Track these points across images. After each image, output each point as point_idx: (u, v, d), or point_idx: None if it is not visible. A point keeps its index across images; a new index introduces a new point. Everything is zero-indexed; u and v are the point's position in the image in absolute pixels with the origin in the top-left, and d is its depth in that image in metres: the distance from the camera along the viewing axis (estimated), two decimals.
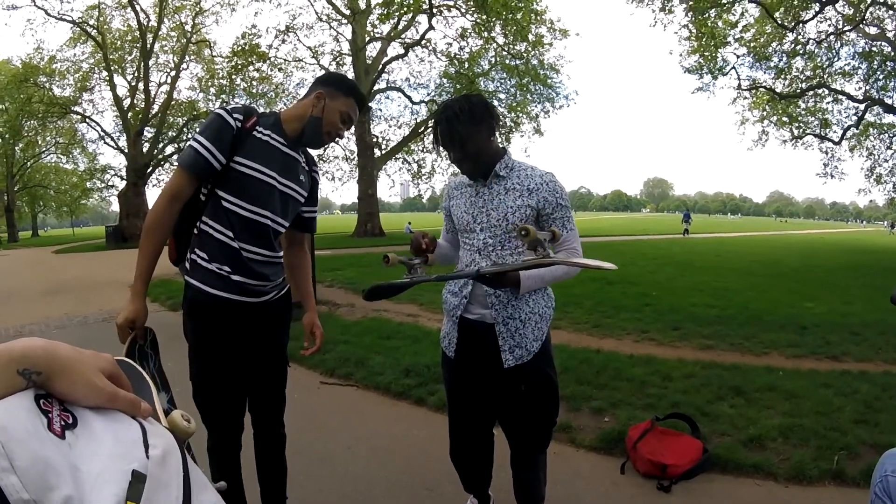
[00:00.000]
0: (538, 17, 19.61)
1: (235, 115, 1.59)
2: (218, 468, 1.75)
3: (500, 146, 1.74)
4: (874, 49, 18.15)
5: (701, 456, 2.47)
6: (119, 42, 24.63)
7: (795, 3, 16.46)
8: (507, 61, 20.76)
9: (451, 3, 19.55)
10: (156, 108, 24.48)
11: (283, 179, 1.65)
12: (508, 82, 21.08)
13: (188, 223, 1.66)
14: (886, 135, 20.84)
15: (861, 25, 16.94)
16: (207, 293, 1.61)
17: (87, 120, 26.75)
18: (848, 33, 17.75)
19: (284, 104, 23.74)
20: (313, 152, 1.87)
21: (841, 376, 3.70)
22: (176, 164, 1.69)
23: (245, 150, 1.59)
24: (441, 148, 1.68)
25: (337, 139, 1.73)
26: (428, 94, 23.78)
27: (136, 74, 24.65)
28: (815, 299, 7.09)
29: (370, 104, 21.68)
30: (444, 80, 22.58)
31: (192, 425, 0.59)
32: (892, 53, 17.57)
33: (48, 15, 22.19)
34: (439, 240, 1.87)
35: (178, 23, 24.00)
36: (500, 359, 1.68)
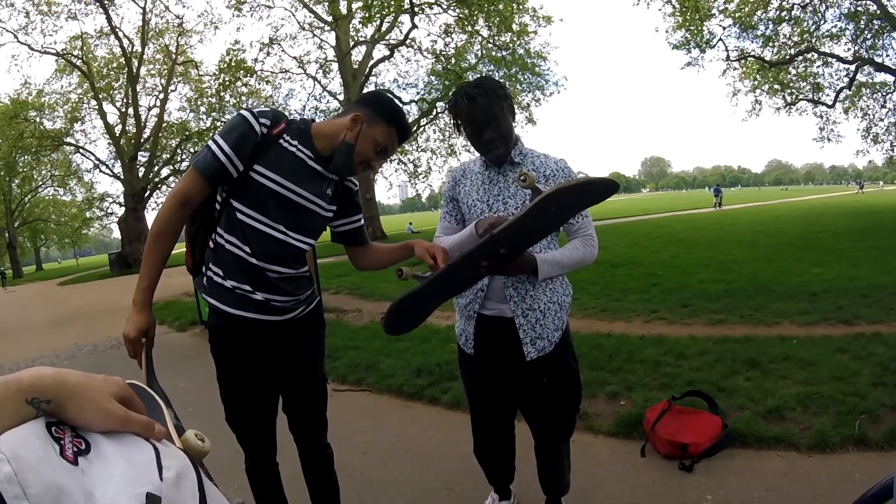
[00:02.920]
0: (521, 6, 19.55)
1: (262, 120, 1.44)
2: (256, 488, 1.71)
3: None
4: (860, 9, 18.02)
5: (721, 432, 2.44)
6: (105, 70, 24.77)
7: None
8: (494, 53, 20.64)
9: (432, 1, 19.51)
10: (147, 131, 24.63)
11: (305, 194, 1.49)
12: (496, 74, 20.99)
13: (204, 230, 1.53)
14: (880, 94, 20.70)
15: None
16: (227, 313, 1.49)
17: (81, 150, 26.85)
18: None
19: None
20: None
21: (855, 340, 3.67)
22: (188, 165, 1.56)
23: (267, 160, 1.44)
24: (469, 126, 1.57)
25: (369, 172, 1.56)
26: (417, 94, 23.74)
27: (125, 100, 24.78)
28: (823, 265, 7.04)
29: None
30: (433, 78, 22.53)
31: (206, 444, 0.58)
32: (878, 11, 17.43)
33: (32, 49, 22.41)
34: (442, 237, 1.75)
35: (162, 45, 24.14)
36: (522, 352, 1.62)
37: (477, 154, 1.69)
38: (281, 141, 1.47)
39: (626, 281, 6.87)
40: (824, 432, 2.40)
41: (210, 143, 1.43)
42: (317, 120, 1.59)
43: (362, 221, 1.73)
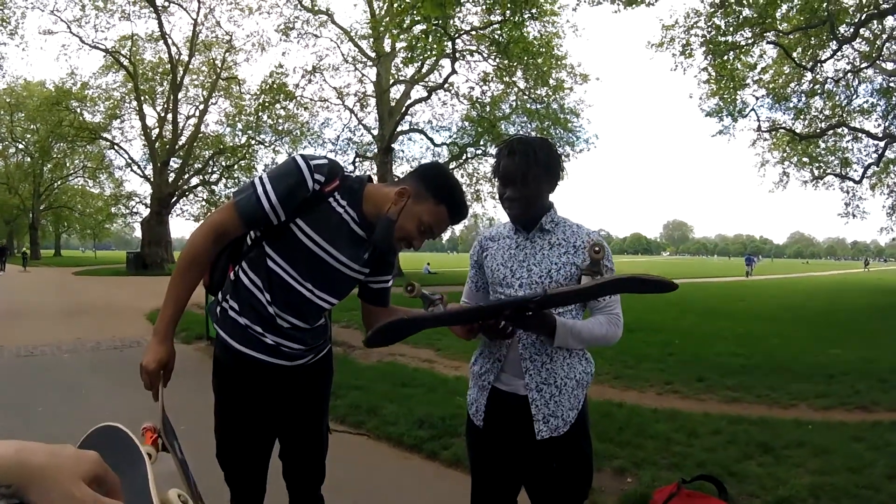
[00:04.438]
0: (559, 62, 19.85)
1: (316, 176, 1.36)
2: None
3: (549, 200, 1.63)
4: (892, 85, 18.10)
5: None
6: (150, 73, 25.66)
7: (813, 42, 16.56)
8: (528, 105, 20.91)
9: (474, 48, 20.00)
10: (183, 139, 25.30)
11: (341, 258, 1.44)
12: (529, 126, 21.26)
13: (227, 255, 1.48)
14: None
15: (878, 62, 16.95)
16: (235, 350, 1.43)
17: (116, 147, 27.67)
18: (865, 70, 17.76)
19: (308, 143, 24.18)
20: None
21: (872, 428, 3.58)
22: (230, 196, 1.52)
23: (312, 216, 1.38)
24: (499, 179, 1.56)
25: (412, 248, 1.49)
26: (450, 137, 24.07)
27: (165, 106, 25.56)
28: (842, 345, 6.89)
29: (393, 145, 22.01)
30: (466, 123, 22.86)
31: None
32: None
33: (83, 42, 23.20)
34: (464, 300, 1.73)
35: (208, 58, 24.97)
36: (533, 429, 1.52)
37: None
38: (331, 199, 1.41)
39: (643, 347, 6.71)
40: None
41: (257, 182, 1.36)
42: (374, 180, 1.55)
43: (390, 283, 1.66)
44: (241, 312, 1.43)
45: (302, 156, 1.39)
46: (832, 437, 3.40)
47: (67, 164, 35.27)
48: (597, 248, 1.30)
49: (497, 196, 1.61)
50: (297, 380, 1.53)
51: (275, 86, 21.07)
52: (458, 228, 29.46)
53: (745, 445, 3.28)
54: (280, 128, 23.69)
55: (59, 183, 38.31)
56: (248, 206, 1.35)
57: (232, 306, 1.44)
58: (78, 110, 25.41)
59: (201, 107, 25.37)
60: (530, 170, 1.49)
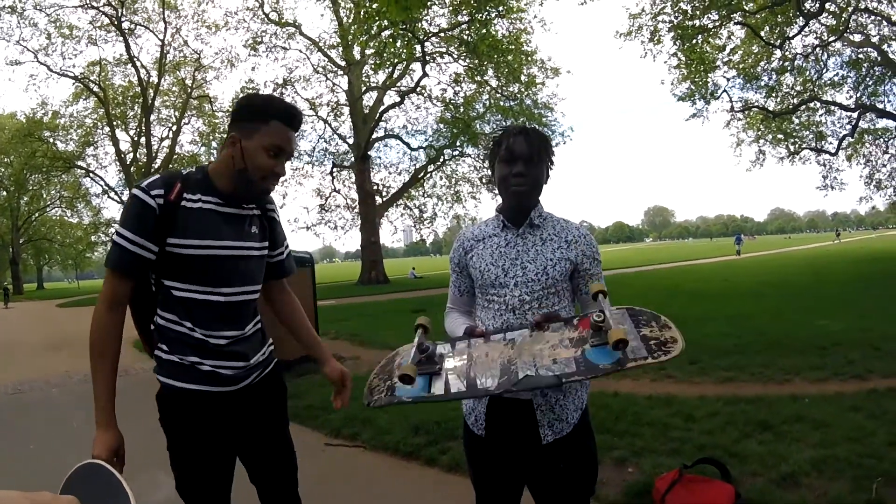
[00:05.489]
0: (529, 58, 20.04)
1: (154, 192, 1.33)
2: None
3: None
4: (861, 56, 18.45)
5: (734, 503, 2.31)
6: (121, 97, 25.42)
7: (780, 19, 16.83)
8: (502, 103, 21.08)
9: (444, 50, 20.05)
10: (158, 162, 25.05)
11: (229, 244, 1.41)
12: (504, 123, 21.41)
13: (147, 315, 1.46)
14: (882, 140, 21.03)
15: (846, 34, 17.25)
16: (175, 388, 1.40)
17: (91, 174, 27.35)
18: (833, 44, 18.09)
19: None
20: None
21: (868, 397, 3.60)
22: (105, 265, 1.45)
23: (178, 228, 1.35)
24: (502, 160, 1.49)
25: (279, 179, 1.44)
26: (426, 140, 24.19)
27: (138, 129, 25.35)
28: (831, 316, 6.96)
29: (369, 152, 21.95)
30: (441, 126, 22.98)
31: None
32: (879, 58, 17.81)
33: (51, 71, 22.98)
34: (454, 313, 1.66)
35: (178, 78, 24.76)
36: (538, 434, 1.47)
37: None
38: (183, 203, 1.37)
39: None
40: (840, 498, 2.31)
41: (115, 236, 1.35)
42: (212, 159, 1.55)
43: (284, 256, 1.62)
44: (172, 351, 1.40)
45: (136, 186, 1.37)
46: (830, 409, 3.41)
47: (44, 195, 34.86)
48: (599, 317, 1.22)
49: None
50: (245, 403, 1.47)
51: None
52: (441, 231, 29.29)
53: (744, 425, 3.27)
54: None
55: (37, 215, 37.82)
56: (118, 259, 1.34)
57: (163, 349, 1.42)
58: (51, 140, 25.22)
59: (174, 127, 25.20)
60: (539, 150, 1.47)
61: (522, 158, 1.46)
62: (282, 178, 1.47)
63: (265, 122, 1.36)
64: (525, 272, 1.48)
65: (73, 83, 23.92)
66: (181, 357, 1.39)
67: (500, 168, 1.50)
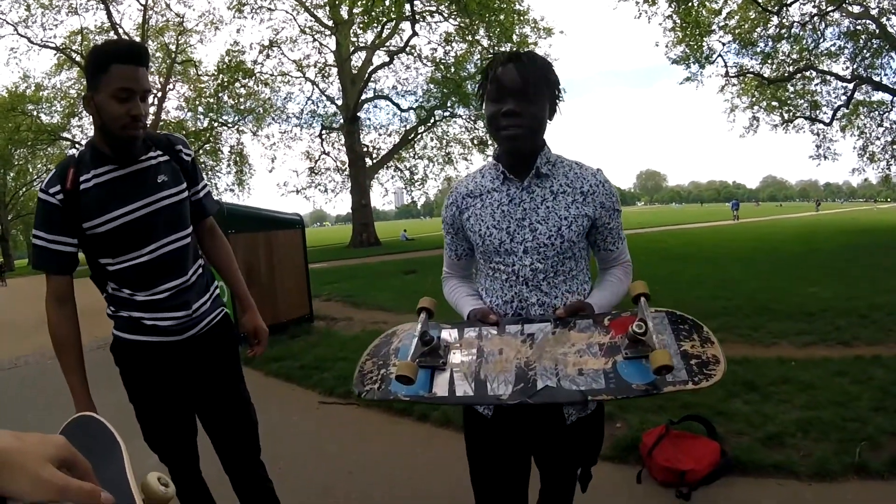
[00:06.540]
0: (521, 18, 19.68)
1: (52, 190, 1.37)
2: (183, 494, 1.67)
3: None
4: (859, 28, 18.21)
5: (719, 459, 2.37)
6: None
7: None
8: None
9: (433, 9, 19.55)
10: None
11: (141, 202, 1.42)
12: None
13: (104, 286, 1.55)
14: (877, 112, 20.90)
15: (844, 5, 16.99)
16: (122, 339, 1.50)
17: (77, 145, 26.68)
18: (832, 13, 17.81)
19: (272, 119, 23.79)
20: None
21: (854, 362, 3.64)
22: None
23: (85, 213, 1.38)
24: (490, 96, 1.21)
25: (141, 122, 1.39)
26: (416, 101, 23.88)
27: None
28: (820, 284, 7.01)
29: (358, 114, 21.65)
30: (432, 86, 22.67)
31: (169, 490, 0.54)
32: (877, 31, 17.60)
33: (31, 42, 22.27)
34: (453, 280, 1.46)
35: (161, 43, 24.06)
36: (562, 415, 1.29)
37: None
38: (82, 185, 1.39)
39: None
40: (825, 460, 2.35)
41: (33, 240, 1.41)
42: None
43: (201, 195, 1.62)
44: (118, 309, 1.50)
45: (39, 189, 1.42)
46: (816, 372, 3.45)
47: (30, 170, 34.19)
48: (640, 327, 1.04)
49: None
50: (193, 354, 1.53)
51: (232, 64, 20.58)
52: (432, 193, 29.11)
53: (731, 385, 3.31)
54: (242, 107, 23.24)
55: (24, 190, 37.18)
56: (46, 260, 1.40)
57: (111, 309, 1.52)
58: (35, 113, 24.58)
59: (159, 94, 24.59)
60: (536, 80, 1.17)
61: (514, 94, 1.17)
62: (147, 118, 1.43)
63: (105, 70, 1.33)
64: (536, 235, 1.23)
65: (55, 54, 23.25)
66: (129, 314, 1.47)
67: (489, 107, 1.22)
